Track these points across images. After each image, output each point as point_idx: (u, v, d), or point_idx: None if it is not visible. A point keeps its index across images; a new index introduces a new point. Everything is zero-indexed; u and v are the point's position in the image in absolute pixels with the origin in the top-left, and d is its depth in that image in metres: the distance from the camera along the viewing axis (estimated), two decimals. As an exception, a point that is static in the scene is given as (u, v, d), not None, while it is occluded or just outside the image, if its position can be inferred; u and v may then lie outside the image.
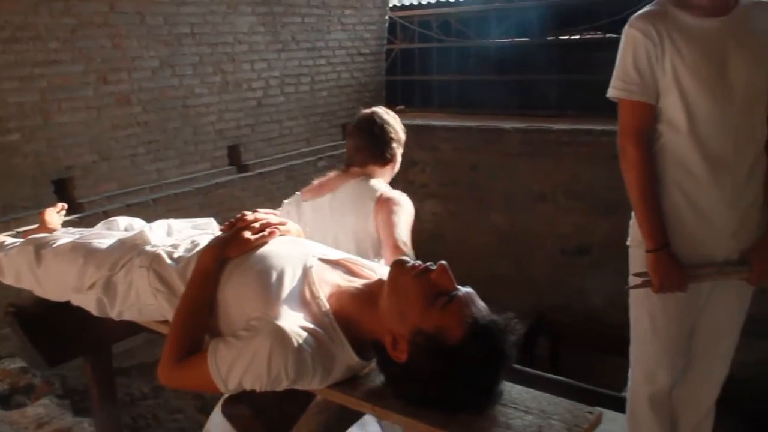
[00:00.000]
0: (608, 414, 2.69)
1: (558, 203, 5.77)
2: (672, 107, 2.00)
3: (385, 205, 2.22)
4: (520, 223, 6.00)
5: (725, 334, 2.23)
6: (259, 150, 5.36)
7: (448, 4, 7.32)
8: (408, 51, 7.17)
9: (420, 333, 1.33)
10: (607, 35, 6.07)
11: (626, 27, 2.06)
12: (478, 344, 1.31)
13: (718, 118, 1.97)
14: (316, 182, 2.45)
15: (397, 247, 2.08)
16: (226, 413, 1.53)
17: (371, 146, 2.36)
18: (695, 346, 2.25)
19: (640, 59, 2.01)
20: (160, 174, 4.63)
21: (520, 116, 6.25)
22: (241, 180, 5.16)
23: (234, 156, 5.20)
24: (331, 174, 2.44)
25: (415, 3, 7.51)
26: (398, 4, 7.66)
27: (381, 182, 2.34)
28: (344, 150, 2.52)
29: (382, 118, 2.40)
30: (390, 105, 6.88)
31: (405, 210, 2.23)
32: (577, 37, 6.71)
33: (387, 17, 6.53)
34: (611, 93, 2.09)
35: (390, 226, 2.15)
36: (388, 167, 2.41)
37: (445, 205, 6.40)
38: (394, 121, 2.43)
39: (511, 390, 1.42)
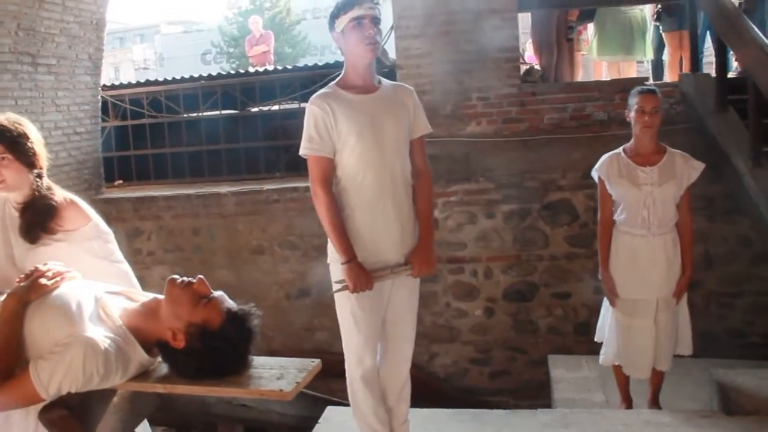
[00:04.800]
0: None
1: (275, 254, 6.49)
2: (346, 158, 2.82)
3: None
4: (244, 276, 6.59)
5: (407, 319, 3.04)
6: (-21, 234, 5.36)
7: (156, 83, 7.85)
8: (122, 128, 7.52)
9: (192, 325, 1.92)
10: (302, 105, 6.97)
11: (308, 104, 2.85)
12: (233, 326, 1.95)
13: (379, 162, 2.81)
14: None
15: None
16: (44, 419, 1.96)
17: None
18: (388, 333, 3.02)
19: (319, 126, 2.80)
20: None
21: (234, 180, 6.93)
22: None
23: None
24: None
25: (125, 83, 7.89)
26: (109, 84, 8.01)
27: None
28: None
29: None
30: (109, 181, 7.20)
31: None
32: (277, 107, 7.60)
33: (99, 97, 6.86)
34: (302, 152, 2.86)
35: None
36: None
37: (173, 269, 6.77)
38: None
39: (258, 359, 2.06)
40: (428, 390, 5.58)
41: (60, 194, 2.65)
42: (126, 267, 2.80)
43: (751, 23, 4.60)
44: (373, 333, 2.95)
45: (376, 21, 2.78)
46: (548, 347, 5.56)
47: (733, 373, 3.68)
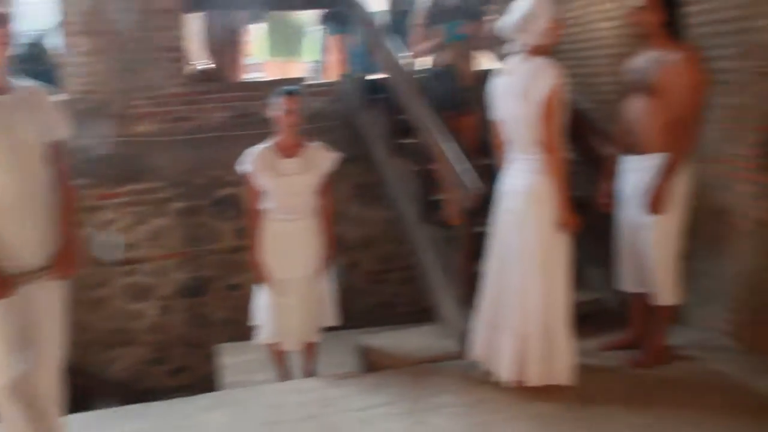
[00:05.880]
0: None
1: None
2: None
3: None
4: None
5: (53, 323, 3.00)
6: None
7: None
8: None
9: None
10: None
11: None
12: None
13: (13, 166, 2.77)
14: None
15: None
16: None
17: None
18: (35, 338, 2.95)
19: None
20: None
21: None
22: None
23: None
24: None
25: None
26: None
27: None
28: None
29: None
30: None
31: None
32: None
33: None
34: None
35: None
36: None
37: None
38: None
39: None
40: (108, 396, 5.48)
41: None
42: None
43: (386, 35, 5.23)
44: (17, 339, 2.88)
45: (7, 20, 2.75)
46: (223, 338, 5.75)
47: (374, 337, 4.20)
